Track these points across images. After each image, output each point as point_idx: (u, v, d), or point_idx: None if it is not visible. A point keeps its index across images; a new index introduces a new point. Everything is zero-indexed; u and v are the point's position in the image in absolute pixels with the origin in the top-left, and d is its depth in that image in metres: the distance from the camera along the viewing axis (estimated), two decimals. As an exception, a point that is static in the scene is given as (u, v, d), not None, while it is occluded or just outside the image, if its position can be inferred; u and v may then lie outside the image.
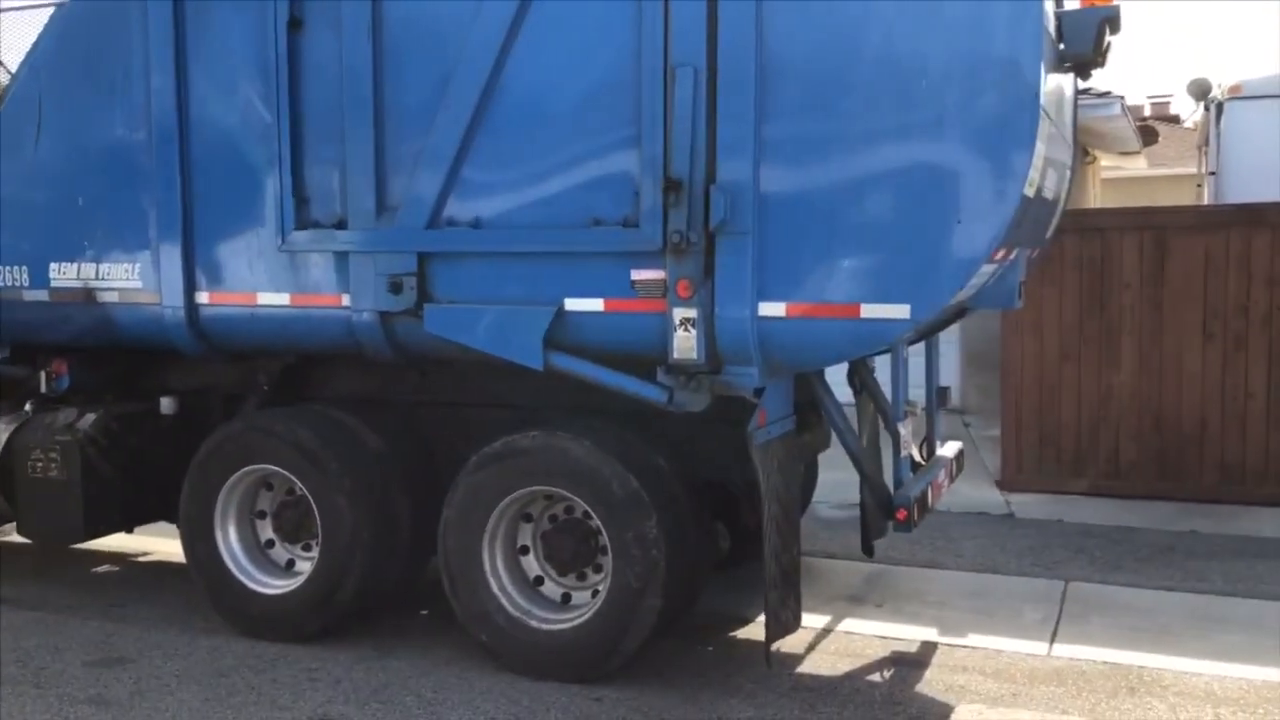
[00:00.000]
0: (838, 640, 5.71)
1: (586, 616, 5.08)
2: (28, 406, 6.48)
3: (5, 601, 6.39)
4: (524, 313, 5.00)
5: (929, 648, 5.60)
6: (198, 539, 5.87)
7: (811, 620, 5.87)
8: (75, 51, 5.89)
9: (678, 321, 4.71)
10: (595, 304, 4.92)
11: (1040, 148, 4.34)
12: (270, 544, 5.94)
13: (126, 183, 5.78)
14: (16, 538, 6.76)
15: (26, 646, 5.64)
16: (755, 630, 5.49)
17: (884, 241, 4.39)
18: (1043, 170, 4.62)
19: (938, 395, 6.26)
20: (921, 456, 5.96)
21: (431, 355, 5.43)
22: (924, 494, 5.28)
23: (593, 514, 5.04)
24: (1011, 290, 5.12)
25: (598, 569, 5.22)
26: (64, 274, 6.00)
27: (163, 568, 7.16)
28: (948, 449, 6.22)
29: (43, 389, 6.39)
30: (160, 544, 7.34)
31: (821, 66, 4.42)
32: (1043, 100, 4.26)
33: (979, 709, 4.84)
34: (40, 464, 6.17)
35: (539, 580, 5.34)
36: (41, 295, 6.08)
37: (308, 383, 6.17)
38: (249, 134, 5.49)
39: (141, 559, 7.40)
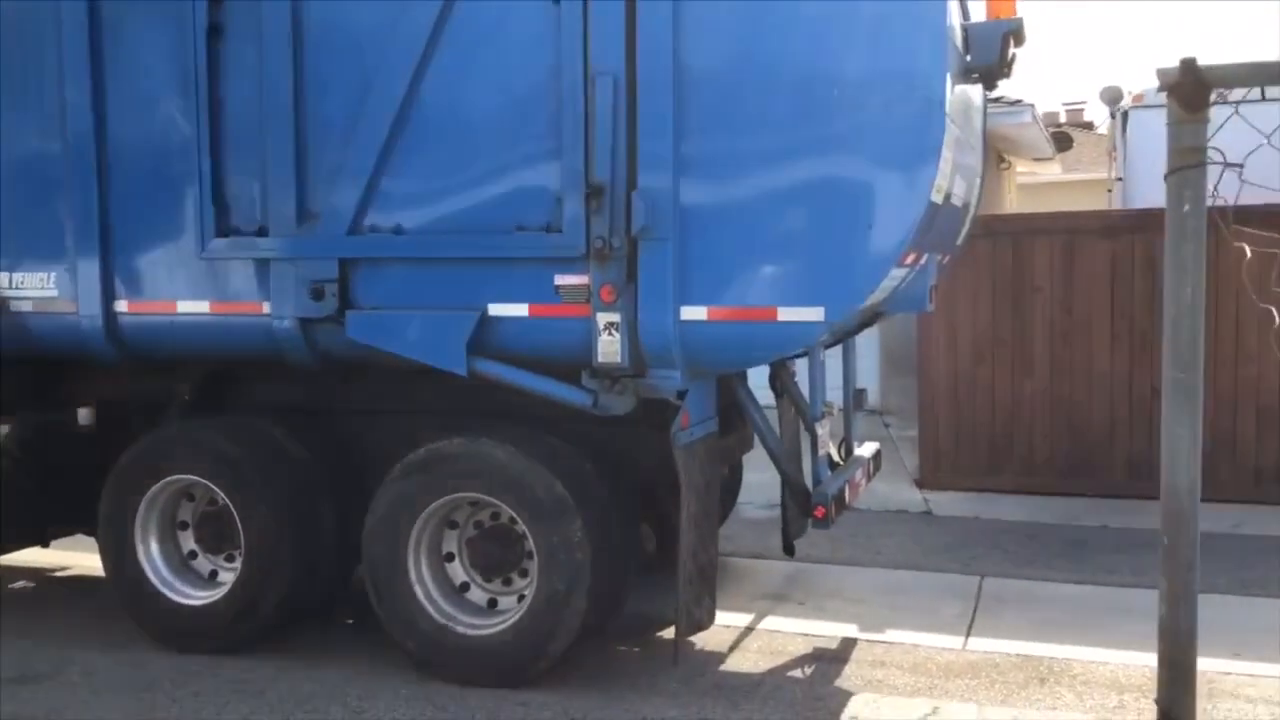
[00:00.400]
0: (760, 638, 5.82)
1: (512, 621, 5.11)
2: (-63, 419, 6.33)
3: (-85, 620, 6.23)
4: (447, 318, 5.03)
5: (849, 644, 5.73)
6: (117, 551, 5.78)
7: (735, 619, 5.99)
8: (-15, 58, 5.77)
9: (602, 326, 4.78)
10: (519, 309, 4.96)
11: (947, 155, 4.49)
12: (193, 555, 5.88)
13: (42, 190, 5.68)
14: (-74, 554, 6.60)
15: (-62, 665, 5.51)
16: (679, 630, 5.58)
17: (798, 247, 4.51)
18: (951, 177, 4.77)
19: (855, 397, 6.41)
20: (840, 456, 6.09)
21: (354, 362, 5.42)
22: (841, 492, 5.40)
23: (518, 519, 5.08)
24: (923, 294, 5.27)
25: (524, 574, 5.26)
26: (-25, 283, 5.88)
27: (82, 582, 7.03)
28: (865, 449, 6.37)
29: (-47, 401, 6.24)
30: (79, 558, 7.20)
31: (736, 76, 4.53)
32: (949, 110, 4.41)
33: (873, 698, 4.98)
34: (-49, 478, 6.04)
35: (465, 586, 5.36)
36: (-49, 305, 5.94)
37: (230, 391, 6.11)
38: (168, 141, 5.43)
39: (59, 574, 7.25)
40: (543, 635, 5.02)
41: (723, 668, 5.43)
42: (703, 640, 5.58)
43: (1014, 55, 5.11)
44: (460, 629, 5.20)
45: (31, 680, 5.35)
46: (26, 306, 5.80)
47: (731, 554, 7.16)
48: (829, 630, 5.91)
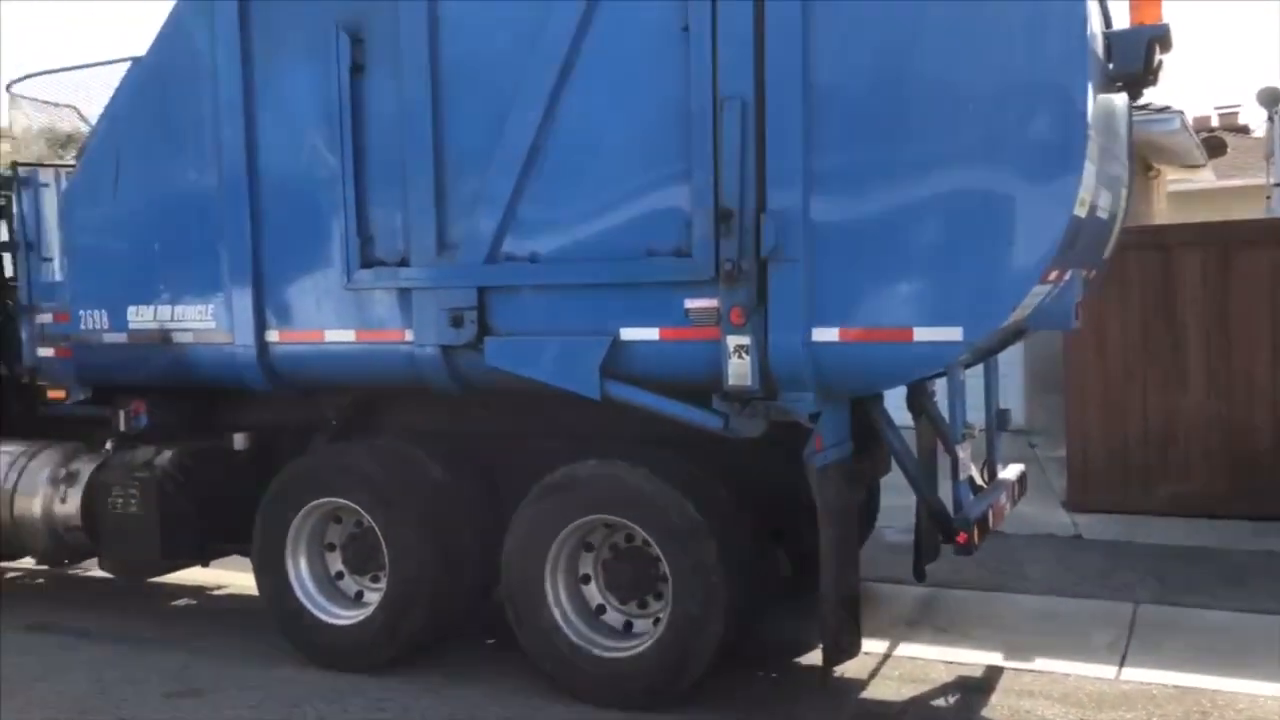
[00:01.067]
0: (901, 665, 5.69)
1: (648, 644, 5.12)
2: (108, 445, 6.72)
3: (89, 634, 6.60)
4: (581, 343, 5.10)
5: (994, 672, 5.55)
6: (269, 571, 6.02)
7: (875, 645, 5.86)
8: (150, 103, 6.14)
9: (732, 349, 4.77)
10: (651, 333, 5.00)
11: (1090, 168, 4.34)
12: (340, 576, 6.08)
13: (199, 227, 6.00)
14: (99, 572, 6.99)
15: (108, 678, 5.82)
16: (817, 656, 5.46)
17: (935, 265, 4.42)
18: (1094, 190, 4.61)
19: (998, 417, 6.23)
20: (982, 479, 5.92)
21: (492, 387, 5.53)
22: (985, 516, 5.25)
23: (652, 542, 5.10)
24: (1067, 311, 5.08)
25: (659, 597, 5.27)
26: (141, 316, 6.23)
27: (237, 600, 7.33)
28: (1009, 471, 6.18)
29: (122, 428, 6.61)
30: (235, 577, 7.51)
31: (868, 93, 4.47)
32: (1090, 120, 4.27)
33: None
34: (120, 500, 6.38)
35: (601, 609, 5.40)
36: (120, 338, 6.32)
37: (374, 416, 6.31)
38: (315, 177, 5.67)
39: (217, 592, 7.59)
40: (679, 659, 5.01)
41: (863, 695, 5.33)
42: (842, 667, 5.47)
43: (1160, 62, 4.91)
44: (597, 651, 5.24)
45: (192, 694, 5.60)
46: (187, 338, 6.12)
47: (873, 578, 7.02)
48: (973, 658, 5.74)
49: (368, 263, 5.57)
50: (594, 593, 5.41)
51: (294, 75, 5.69)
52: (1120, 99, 5.36)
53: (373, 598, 5.88)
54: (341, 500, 5.87)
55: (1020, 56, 4.25)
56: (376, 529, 5.75)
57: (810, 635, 5.89)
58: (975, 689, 5.34)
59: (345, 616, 5.92)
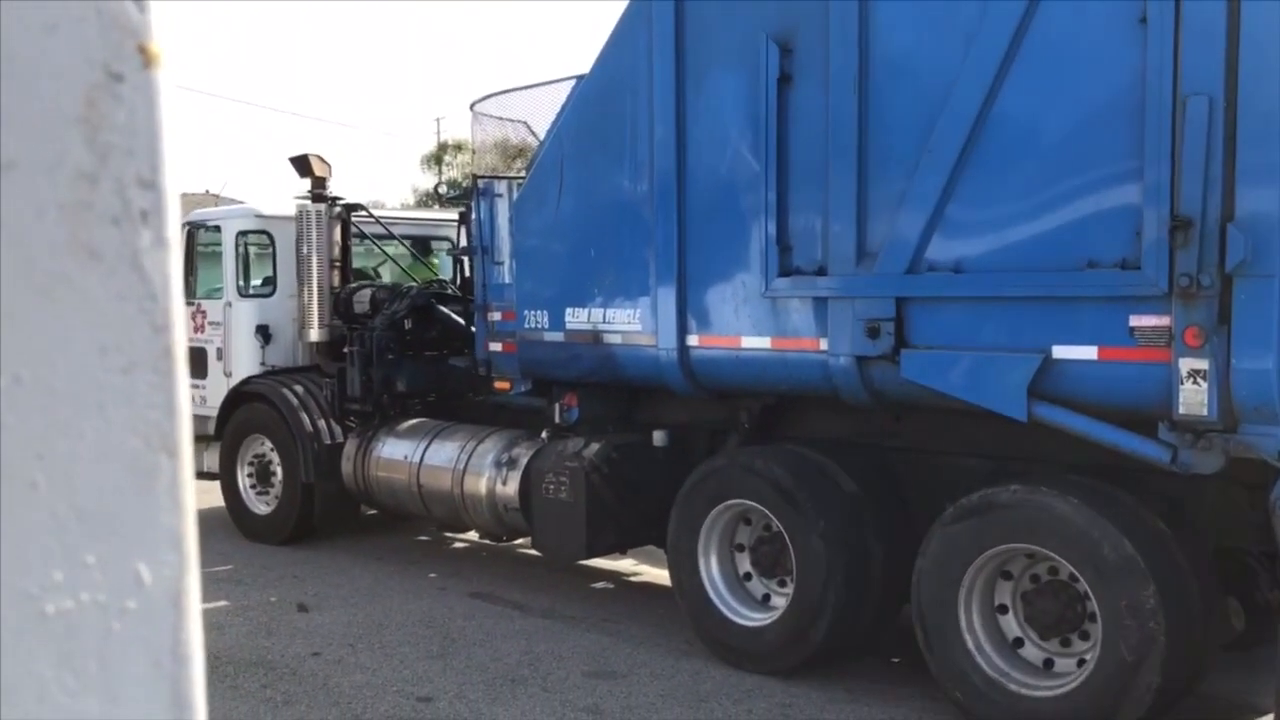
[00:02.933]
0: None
1: (1072, 687, 4.75)
2: (544, 434, 7.28)
3: (521, 607, 7.19)
4: (1007, 360, 4.82)
5: None
6: (682, 566, 6.24)
7: (1349, 720, 5.07)
8: (591, 119, 6.57)
9: (1185, 373, 4.30)
10: (1087, 352, 4.63)
11: None
12: (748, 577, 6.18)
13: (630, 236, 6.33)
14: (530, 550, 7.61)
15: (537, 651, 6.29)
16: (1274, 724, 4.84)
17: None
18: None
19: None
20: None
21: (907, 401, 5.38)
22: None
23: (1079, 577, 4.72)
24: None
25: (1085, 636, 4.87)
26: (577, 317, 6.68)
27: (650, 589, 7.68)
28: None
29: (556, 419, 7.14)
30: (647, 566, 7.89)
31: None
32: None
33: None
34: (552, 486, 6.88)
35: (1018, 642, 5.08)
36: (558, 336, 6.82)
37: (786, 423, 6.35)
38: (738, 185, 5.80)
39: (632, 579, 8.00)
40: (1107, 707, 4.61)
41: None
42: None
43: None
44: (1013, 686, 4.94)
45: (608, 676, 5.93)
46: (616, 339, 6.48)
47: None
48: None
49: (786, 271, 5.60)
50: (1011, 624, 5.10)
51: (722, 84, 5.84)
52: None
53: (779, 602, 5.93)
54: (751, 503, 5.96)
55: None
56: (784, 534, 5.78)
57: (1262, 697, 5.20)
58: None
59: (753, 618, 6.00)
